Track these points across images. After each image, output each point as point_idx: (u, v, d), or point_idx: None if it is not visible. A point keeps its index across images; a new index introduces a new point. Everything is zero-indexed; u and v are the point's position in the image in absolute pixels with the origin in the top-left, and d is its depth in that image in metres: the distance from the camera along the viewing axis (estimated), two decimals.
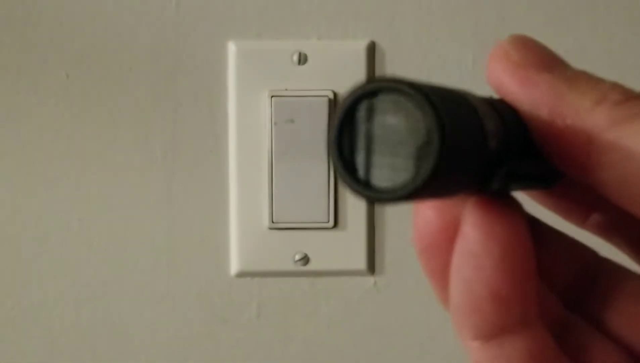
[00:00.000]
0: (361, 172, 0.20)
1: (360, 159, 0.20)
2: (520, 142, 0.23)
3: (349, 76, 0.61)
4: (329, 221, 0.62)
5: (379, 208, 0.63)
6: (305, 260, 0.63)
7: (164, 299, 0.63)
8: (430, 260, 0.24)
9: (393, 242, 0.63)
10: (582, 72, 0.24)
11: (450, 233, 0.23)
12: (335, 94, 0.61)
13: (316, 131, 0.60)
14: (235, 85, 0.61)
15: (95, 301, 0.63)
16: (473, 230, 0.22)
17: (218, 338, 0.64)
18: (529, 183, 0.23)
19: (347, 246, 0.62)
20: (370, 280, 0.64)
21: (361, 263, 0.63)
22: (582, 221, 0.27)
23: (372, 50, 0.61)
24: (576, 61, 0.69)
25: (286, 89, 0.61)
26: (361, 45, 0.61)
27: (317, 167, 0.61)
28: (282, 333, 0.64)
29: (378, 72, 0.62)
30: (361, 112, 0.20)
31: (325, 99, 0.60)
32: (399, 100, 0.20)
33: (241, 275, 0.63)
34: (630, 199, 0.22)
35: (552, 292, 0.26)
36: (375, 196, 0.20)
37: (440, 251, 0.24)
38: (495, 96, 0.24)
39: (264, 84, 0.61)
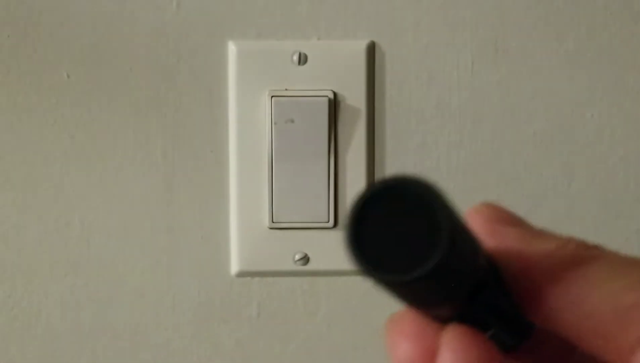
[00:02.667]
0: (375, 257, 0.23)
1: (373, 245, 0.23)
2: (496, 285, 0.25)
3: (349, 76, 0.61)
4: (329, 221, 0.62)
5: None
6: (306, 259, 0.63)
7: (164, 299, 0.63)
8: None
9: None
10: (543, 229, 0.26)
11: (427, 361, 0.25)
12: (335, 94, 0.61)
13: (316, 131, 0.61)
14: (236, 85, 0.61)
15: (95, 302, 0.63)
16: (453, 355, 0.24)
17: (218, 338, 0.64)
18: (504, 325, 0.25)
19: None
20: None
21: None
22: None
23: (372, 50, 0.61)
24: (576, 61, 0.69)
25: (286, 89, 0.61)
26: (361, 45, 0.61)
27: (317, 167, 0.61)
28: (282, 332, 0.64)
29: (378, 73, 0.62)
30: (375, 207, 0.22)
31: (325, 99, 0.60)
32: (407, 197, 0.22)
33: (241, 274, 0.63)
34: (585, 334, 0.24)
35: None
36: (392, 278, 0.23)
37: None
38: None
39: (264, 84, 0.61)
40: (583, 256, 0.25)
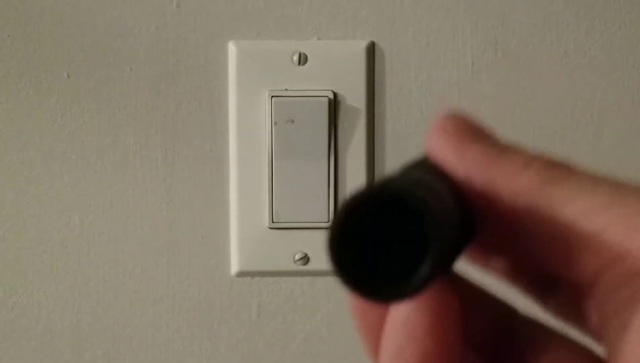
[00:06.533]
0: (363, 274, 0.24)
1: (361, 261, 0.24)
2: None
3: (349, 76, 0.61)
4: (329, 221, 0.62)
5: None
6: (305, 259, 0.63)
7: (164, 299, 0.63)
8: (364, 317, 0.25)
9: None
10: (510, 143, 0.26)
11: None
12: (335, 94, 0.61)
13: (316, 131, 0.61)
14: (236, 85, 0.61)
15: (95, 301, 0.63)
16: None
17: (218, 338, 0.64)
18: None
19: None
20: None
21: None
22: (484, 265, 0.28)
23: (372, 50, 0.61)
24: (576, 62, 0.69)
25: (286, 89, 0.61)
26: (361, 45, 0.61)
27: (317, 167, 0.61)
28: (282, 332, 0.64)
29: (378, 73, 0.62)
30: (358, 218, 0.23)
31: (325, 100, 0.60)
32: (397, 207, 0.22)
33: (241, 274, 0.63)
34: (553, 259, 0.24)
35: (471, 348, 0.27)
36: (386, 295, 0.23)
37: (374, 311, 0.25)
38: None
39: (264, 84, 0.61)
40: (550, 176, 0.24)
